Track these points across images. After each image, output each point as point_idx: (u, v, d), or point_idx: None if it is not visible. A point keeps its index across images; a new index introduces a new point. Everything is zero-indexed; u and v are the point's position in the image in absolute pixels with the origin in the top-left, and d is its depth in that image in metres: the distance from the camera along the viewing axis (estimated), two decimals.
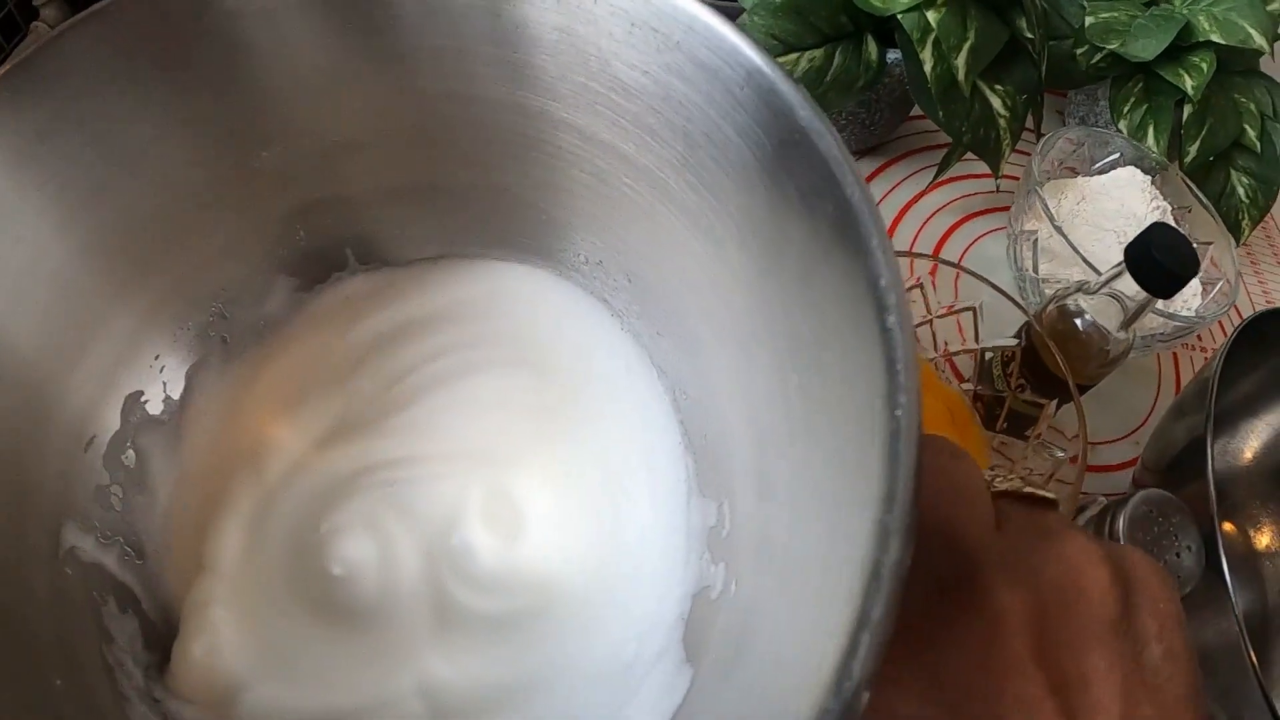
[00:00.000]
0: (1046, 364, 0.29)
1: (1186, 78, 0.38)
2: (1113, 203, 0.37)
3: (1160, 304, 0.36)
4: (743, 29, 0.32)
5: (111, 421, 0.24)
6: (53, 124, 0.21)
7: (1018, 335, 0.30)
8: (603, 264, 0.26)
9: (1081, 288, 0.31)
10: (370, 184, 0.26)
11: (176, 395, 0.26)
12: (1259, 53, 0.37)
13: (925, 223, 0.39)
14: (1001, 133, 0.34)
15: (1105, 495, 0.33)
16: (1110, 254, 0.35)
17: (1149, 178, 0.38)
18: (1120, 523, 0.26)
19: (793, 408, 0.18)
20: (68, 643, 0.22)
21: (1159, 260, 0.26)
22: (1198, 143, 0.39)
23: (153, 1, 0.20)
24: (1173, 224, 0.38)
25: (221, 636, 0.24)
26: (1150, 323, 0.35)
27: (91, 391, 0.24)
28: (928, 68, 0.31)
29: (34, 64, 0.20)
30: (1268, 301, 0.47)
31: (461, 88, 0.23)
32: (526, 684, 0.24)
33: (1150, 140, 0.39)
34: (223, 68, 0.22)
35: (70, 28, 0.20)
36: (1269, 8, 0.39)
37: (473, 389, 0.26)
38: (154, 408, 0.25)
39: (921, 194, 0.39)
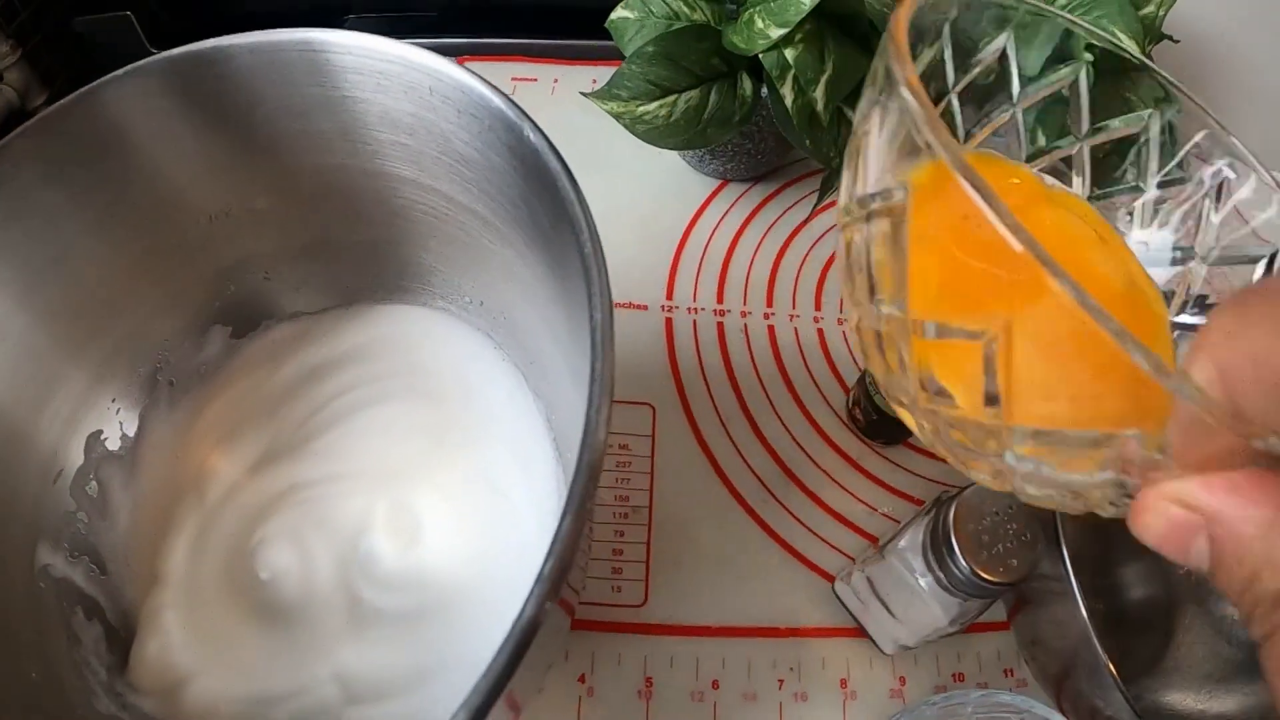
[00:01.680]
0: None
1: None
2: None
3: None
4: (620, 77, 0.35)
5: (76, 457, 0.29)
6: (11, 211, 0.25)
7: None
8: (484, 304, 0.30)
9: None
10: (285, 244, 0.30)
11: (132, 433, 0.30)
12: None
13: (817, 241, 0.41)
14: None
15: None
16: None
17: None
18: (950, 512, 0.28)
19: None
20: (42, 644, 0.27)
21: None
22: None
23: (77, 113, 0.25)
24: None
25: (171, 636, 0.28)
26: None
27: (58, 432, 0.28)
28: (788, 101, 0.34)
29: None
30: None
31: (348, 162, 0.27)
32: (425, 670, 0.27)
33: (1041, 143, 0.41)
34: (142, 158, 0.26)
35: (14, 139, 0.25)
36: (1142, 11, 0.40)
37: (377, 417, 0.30)
38: (112, 444, 0.30)
39: (814, 214, 0.42)
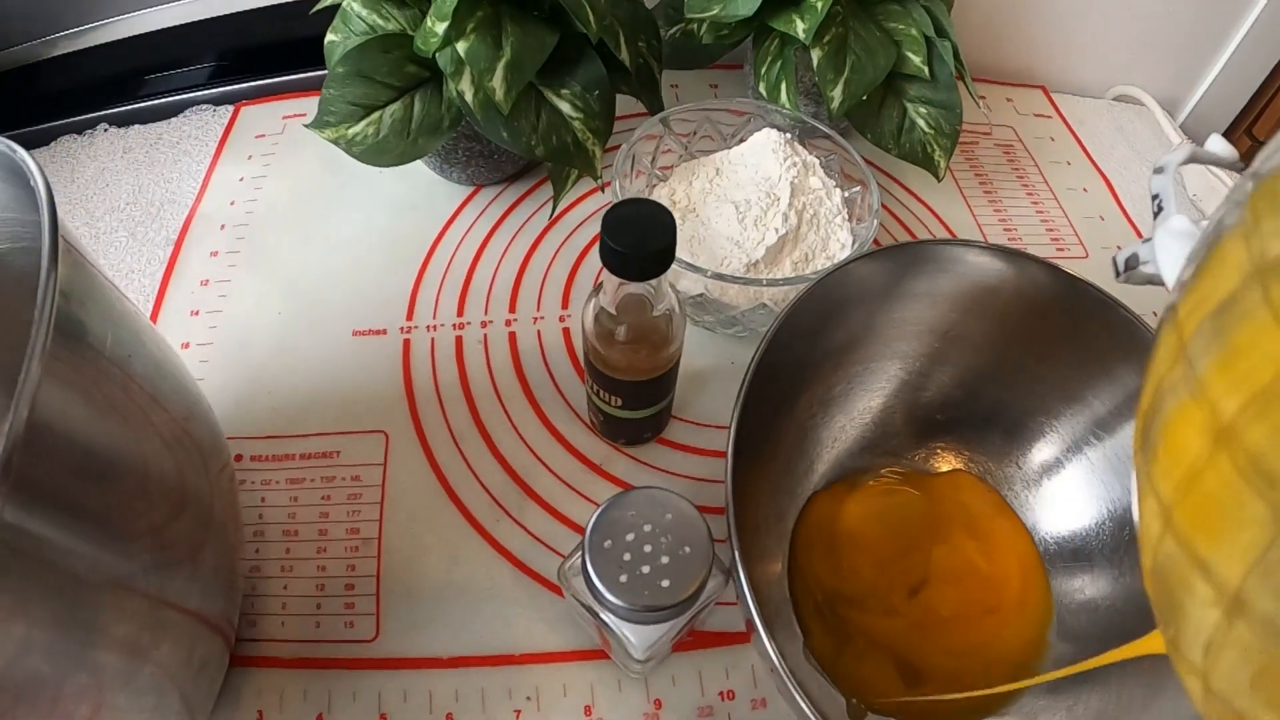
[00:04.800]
0: (597, 365, 0.29)
1: (799, 22, 0.34)
2: (748, 170, 0.34)
3: (795, 265, 0.33)
4: (324, 102, 0.34)
5: None
6: None
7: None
8: None
9: (601, 288, 0.29)
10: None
11: None
12: None
13: (572, 233, 0.38)
14: (580, 135, 0.33)
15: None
16: (729, 228, 0.33)
17: (785, 136, 0.35)
18: (586, 531, 0.25)
19: None
20: None
21: (610, 245, 0.24)
22: (840, 85, 0.35)
23: None
24: (818, 178, 0.34)
25: None
26: (775, 293, 0.32)
27: None
28: (468, 97, 0.32)
29: None
30: (1005, 231, 0.40)
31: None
32: None
33: (784, 97, 0.36)
34: None
35: None
36: None
37: None
38: None
39: (569, 208, 0.38)
